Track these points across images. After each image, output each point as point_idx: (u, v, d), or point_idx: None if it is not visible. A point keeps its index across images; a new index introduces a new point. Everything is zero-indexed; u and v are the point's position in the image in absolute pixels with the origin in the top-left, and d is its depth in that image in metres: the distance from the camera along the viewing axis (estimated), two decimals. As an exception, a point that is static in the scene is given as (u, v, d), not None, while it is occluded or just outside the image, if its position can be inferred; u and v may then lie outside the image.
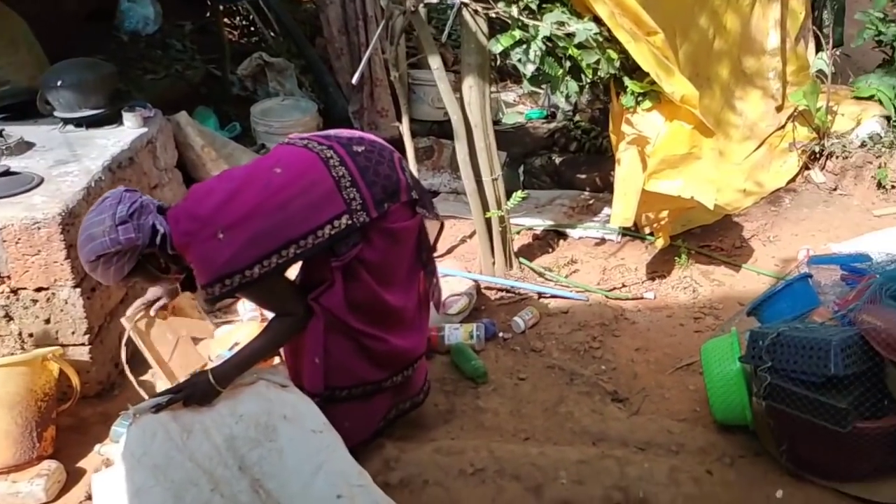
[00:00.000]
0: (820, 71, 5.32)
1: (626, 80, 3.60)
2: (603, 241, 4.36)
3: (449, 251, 4.27)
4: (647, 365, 3.35)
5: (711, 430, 2.90)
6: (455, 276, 3.73)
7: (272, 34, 5.91)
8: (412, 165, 3.93)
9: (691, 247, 4.18)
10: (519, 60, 3.30)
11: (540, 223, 4.46)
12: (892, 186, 4.67)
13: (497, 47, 3.28)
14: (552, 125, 5.82)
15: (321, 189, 2.24)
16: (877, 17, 5.54)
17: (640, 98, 3.64)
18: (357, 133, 2.51)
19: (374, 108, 5.14)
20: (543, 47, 3.21)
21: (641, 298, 3.84)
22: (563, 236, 4.41)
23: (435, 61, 3.49)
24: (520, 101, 6.35)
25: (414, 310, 2.61)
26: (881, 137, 4.94)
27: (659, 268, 4.06)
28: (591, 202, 4.77)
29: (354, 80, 3.73)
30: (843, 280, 2.93)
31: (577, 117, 5.80)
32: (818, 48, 5.58)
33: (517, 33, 3.26)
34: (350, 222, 2.24)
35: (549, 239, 4.36)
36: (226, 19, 6.17)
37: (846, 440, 2.38)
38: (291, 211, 2.21)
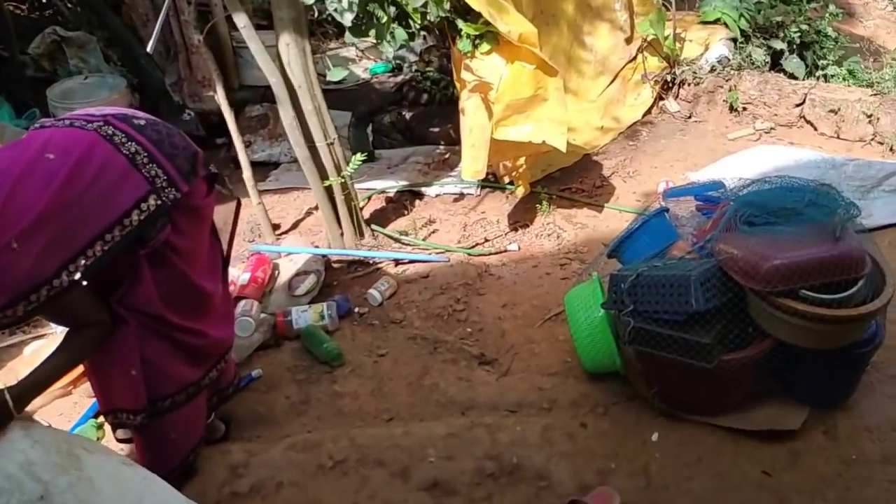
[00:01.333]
0: (665, -3, 5.45)
1: (460, 23, 3.49)
2: (462, 196, 4.29)
3: (293, 226, 4.08)
4: (514, 321, 3.32)
5: (583, 380, 2.90)
6: (300, 254, 3.55)
7: (68, 5, 5.41)
8: (237, 141, 3.68)
9: (552, 192, 4.19)
10: (336, 10, 3.12)
11: (392, 185, 4.34)
12: (744, 108, 4.87)
13: None
14: (399, 78, 5.69)
15: (115, 171, 1.97)
16: (714, -63, 5.73)
17: (476, 41, 3.55)
18: (123, 109, 2.24)
19: (193, 77, 4.81)
20: (356, -8, 3.05)
21: (505, 251, 3.81)
22: (420, 196, 4.32)
23: (241, 19, 3.25)
24: (363, 56, 6.16)
25: (222, 296, 2.42)
26: (729, 60, 5.12)
27: (521, 217, 4.05)
28: (446, 156, 4.69)
29: (149, 47, 3.43)
30: (699, 210, 2.98)
31: (427, 67, 5.68)
32: (662, -26, 5.71)
33: (329, -22, 3.08)
34: (160, 202, 2.00)
35: (403, 201, 4.25)
36: (8, -9, 5.60)
37: (714, 374, 2.42)
38: (88, 202, 1.91)
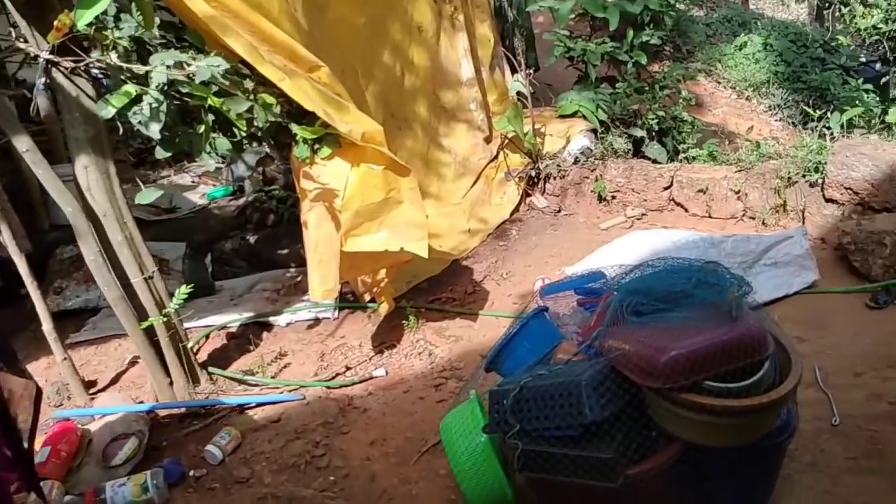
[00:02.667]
0: (519, 94, 5.53)
1: (294, 127, 3.27)
2: (317, 321, 3.96)
3: (114, 381, 3.58)
4: (385, 460, 2.95)
5: (472, 522, 2.53)
6: (117, 414, 3.06)
7: None
8: (31, 288, 3.21)
9: (419, 304, 3.94)
10: (140, 122, 2.81)
11: (235, 318, 3.95)
12: (613, 197, 4.88)
13: (107, 111, 2.76)
14: (241, 201, 5.40)
15: None
16: (563, 34, 5.97)
17: (316, 145, 3.32)
18: None
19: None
20: (162, 99, 2.76)
21: (371, 378, 3.47)
22: (269, 327, 3.94)
23: (23, 142, 2.89)
24: (200, 181, 5.86)
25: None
26: (591, 151, 5.19)
27: (387, 337, 3.75)
28: (298, 279, 4.37)
29: None
30: (581, 305, 2.78)
31: (272, 186, 5.43)
32: (514, 73, 5.84)
33: (131, 88, 2.77)
34: None
35: (248, 335, 3.86)
36: None
37: (620, 494, 2.13)
38: None
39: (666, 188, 4.75)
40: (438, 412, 3.16)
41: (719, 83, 9.65)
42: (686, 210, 4.67)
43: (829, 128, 4.55)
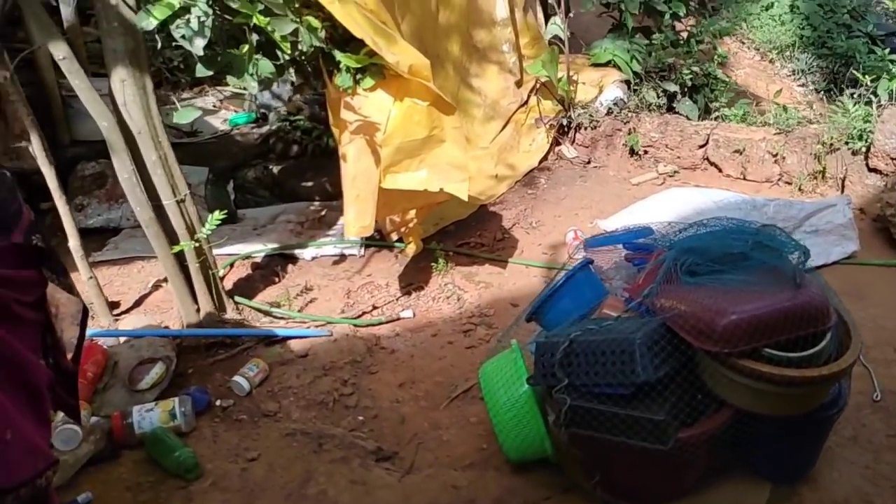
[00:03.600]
0: (555, 38, 5.33)
1: (338, 55, 3.10)
2: (343, 257, 3.85)
3: (137, 304, 3.49)
4: (415, 403, 2.88)
5: (506, 472, 2.49)
6: (143, 337, 2.97)
7: None
8: (60, 203, 3.08)
9: (448, 248, 3.83)
10: (183, 37, 2.65)
11: (259, 248, 3.83)
12: (645, 151, 4.73)
13: (149, 22, 2.60)
14: (264, 129, 5.22)
15: None
16: (602, -21, 5.72)
17: (358, 75, 3.16)
18: None
19: (8, 131, 4.16)
20: (210, 13, 2.60)
21: (398, 319, 3.38)
22: (293, 260, 3.84)
23: (59, 49, 2.74)
24: (222, 106, 5.67)
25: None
26: (625, 102, 5.02)
27: (415, 278, 3.65)
28: (322, 213, 4.24)
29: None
30: (628, 260, 2.67)
31: (297, 116, 5.25)
32: (546, 18, 5.62)
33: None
34: None
35: (273, 266, 3.75)
36: None
37: (668, 456, 2.06)
38: None
39: (701, 146, 4.60)
40: (468, 358, 3.10)
41: (743, 43, 9.38)
42: (720, 170, 4.53)
43: (875, 94, 4.38)
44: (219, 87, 5.85)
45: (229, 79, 2.96)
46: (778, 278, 2.20)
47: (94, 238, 4.03)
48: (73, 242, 3.12)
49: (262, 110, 5.47)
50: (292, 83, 5.18)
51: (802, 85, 8.53)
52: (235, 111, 5.60)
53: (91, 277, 3.19)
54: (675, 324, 2.14)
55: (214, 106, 5.71)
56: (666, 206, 3.72)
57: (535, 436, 2.36)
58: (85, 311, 1.99)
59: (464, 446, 2.64)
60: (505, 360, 2.51)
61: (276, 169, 4.71)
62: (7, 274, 1.67)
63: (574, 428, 2.18)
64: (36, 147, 3.05)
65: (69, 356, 1.91)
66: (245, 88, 2.99)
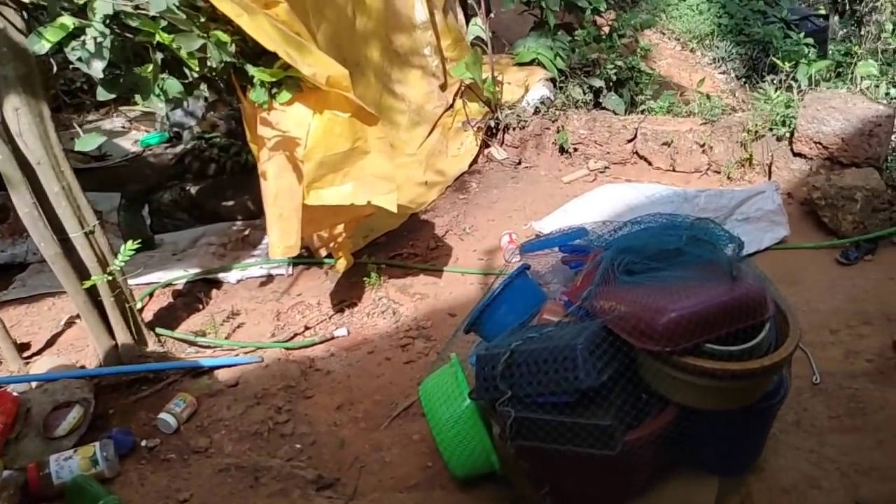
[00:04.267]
0: (477, 39, 5.34)
1: (251, 69, 3.01)
2: (270, 278, 3.76)
3: (49, 344, 3.33)
4: (354, 425, 2.83)
5: (452, 489, 2.47)
6: (57, 380, 2.83)
7: None
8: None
9: (380, 260, 3.79)
10: (80, 59, 2.53)
11: (180, 275, 3.71)
12: (574, 149, 4.77)
13: (41, 45, 2.48)
14: (179, 148, 5.08)
15: None
16: (522, -22, 5.75)
17: (274, 89, 3.08)
18: None
19: None
20: (108, 33, 2.49)
21: (332, 339, 3.32)
22: (217, 284, 3.73)
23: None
24: (132, 127, 5.50)
25: None
26: (552, 100, 5.06)
27: (347, 295, 3.59)
28: (245, 233, 4.15)
29: None
30: (565, 263, 2.67)
31: (212, 132, 5.12)
32: (467, 19, 5.63)
33: (67, 20, 2.49)
34: None
35: (196, 293, 3.65)
36: None
37: (615, 460, 2.05)
38: None
39: (629, 140, 4.67)
40: (407, 374, 3.06)
41: (664, 34, 9.60)
42: (650, 163, 4.60)
43: (796, 79, 4.51)
44: (127, 107, 5.68)
45: (137, 98, 2.86)
46: (714, 272, 2.22)
47: (0, 276, 3.84)
48: (-30, 286, 2.96)
49: (175, 129, 5.33)
50: (205, 99, 5.06)
51: (724, 73, 8.78)
52: (146, 131, 5.45)
53: (-6, 321, 3.03)
54: (616, 325, 2.14)
55: (123, 127, 5.54)
56: (599, 204, 3.75)
57: (480, 450, 2.34)
58: None
59: (407, 466, 2.60)
60: (445, 375, 2.47)
61: (193, 189, 4.58)
62: None
63: (520, 440, 2.16)
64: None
65: None
66: (155, 107, 2.87)
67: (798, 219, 3.90)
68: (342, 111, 3.07)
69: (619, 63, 5.47)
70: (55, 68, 2.80)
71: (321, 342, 3.29)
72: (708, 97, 5.09)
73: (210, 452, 2.69)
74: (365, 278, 3.61)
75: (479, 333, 2.60)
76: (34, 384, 2.89)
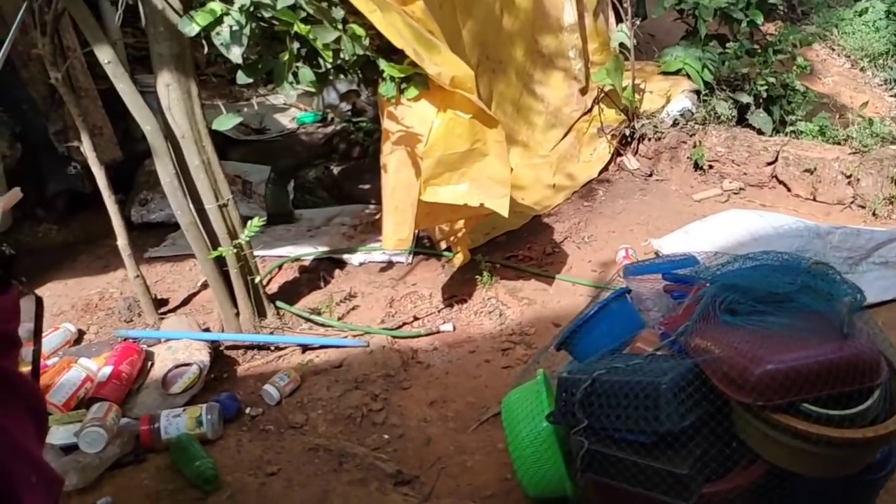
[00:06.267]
0: (621, 46, 5.08)
1: (382, 63, 2.98)
2: (390, 264, 3.75)
3: (185, 302, 3.47)
4: (443, 423, 2.75)
5: (526, 506, 2.33)
6: (181, 340, 2.94)
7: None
8: (108, 202, 3.08)
9: (495, 260, 3.68)
10: (221, 43, 2.58)
11: (309, 251, 3.77)
12: (710, 166, 4.46)
13: (191, 28, 2.55)
14: (329, 129, 5.17)
15: None
16: (677, -15, 5.42)
17: (403, 85, 3.04)
18: None
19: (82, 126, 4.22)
20: (244, 21, 2.52)
21: (438, 333, 3.26)
22: (341, 265, 3.75)
23: (105, 53, 2.71)
24: (291, 104, 5.64)
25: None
26: (693, 114, 4.74)
27: (458, 290, 3.51)
28: (376, 216, 4.14)
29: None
30: (668, 292, 2.47)
31: (360, 117, 5.19)
32: (618, 23, 5.37)
33: (216, 6, 2.54)
34: None
35: (321, 271, 3.68)
36: None
37: (690, 512, 1.87)
38: None
39: (769, 163, 4.29)
40: (503, 379, 2.95)
41: (833, 49, 8.83)
42: (789, 189, 4.22)
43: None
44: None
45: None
46: (825, 325, 1.97)
47: (156, 233, 4.05)
48: (121, 241, 3.12)
49: (328, 110, 5.42)
50: (357, 85, 5.11)
51: (894, 95, 7.97)
52: (305, 109, 5.58)
53: (137, 276, 3.18)
54: (708, 368, 1.95)
55: (285, 104, 5.70)
56: (722, 229, 3.46)
57: (554, 474, 2.20)
58: (39, 304, 1.84)
59: (487, 475, 2.51)
60: (528, 391, 2.35)
61: (336, 170, 4.65)
62: None
63: (591, 473, 2.02)
64: (86, 146, 3.06)
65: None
66: (286, 94, 2.88)
67: (946, 267, 3.45)
68: (464, 112, 2.98)
69: (771, 79, 5.04)
70: (206, 49, 2.87)
71: (427, 335, 3.23)
72: (870, 122, 4.61)
73: (304, 430, 2.71)
74: (478, 276, 3.52)
75: (570, 352, 2.46)
76: (162, 340, 3.02)
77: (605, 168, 4.57)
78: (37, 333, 1.78)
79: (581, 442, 2.02)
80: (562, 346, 2.47)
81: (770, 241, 3.26)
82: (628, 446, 1.98)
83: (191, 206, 2.93)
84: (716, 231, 3.45)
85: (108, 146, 4.27)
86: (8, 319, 1.57)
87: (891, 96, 7.98)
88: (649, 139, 4.61)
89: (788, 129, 4.90)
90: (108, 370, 2.70)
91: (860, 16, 8.68)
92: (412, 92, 3.00)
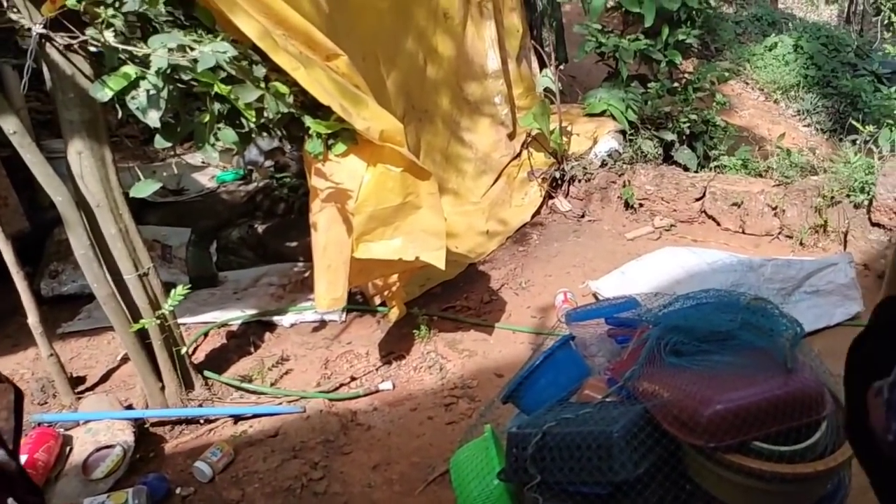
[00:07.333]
0: (547, 90, 5.22)
1: (308, 120, 2.98)
2: (323, 323, 3.69)
3: (104, 378, 3.33)
4: (388, 487, 2.70)
5: (481, 570, 2.26)
6: (101, 420, 2.81)
7: None
8: (17, 278, 2.95)
9: (432, 312, 3.67)
10: (137, 108, 2.53)
11: (237, 316, 3.68)
12: (640, 205, 4.58)
13: (103, 93, 2.49)
14: (251, 186, 5.12)
15: None
16: (595, 28, 5.63)
17: (330, 141, 3.03)
18: None
19: (-15, 196, 4.07)
20: (161, 84, 2.48)
21: (377, 392, 3.21)
22: (272, 327, 3.67)
23: (10, 123, 2.63)
24: (209, 163, 5.57)
25: None
26: (620, 154, 4.89)
27: (396, 346, 3.48)
28: (305, 274, 4.10)
29: None
30: (611, 336, 2.49)
31: (283, 173, 5.14)
32: (542, 67, 5.52)
33: (130, 69, 2.50)
34: None
35: (251, 334, 3.60)
36: None
37: (650, 562, 1.86)
38: None
39: (698, 199, 4.44)
40: (447, 435, 2.91)
41: (747, 84, 9.30)
42: (718, 224, 4.36)
43: (877, 144, 4.22)
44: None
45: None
46: (768, 361, 2.01)
47: (69, 306, 3.89)
48: (32, 319, 2.98)
49: (250, 167, 5.37)
50: (280, 141, 5.09)
51: (808, 125, 8.41)
52: (224, 168, 5.51)
53: (51, 355, 3.04)
54: (658, 413, 1.96)
55: (203, 162, 5.62)
56: (658, 268, 3.54)
57: (509, 535, 2.17)
58: (18, 396, 1.80)
59: (437, 539, 2.46)
60: (477, 448, 2.32)
61: (260, 228, 4.59)
62: None
63: (548, 530, 2.00)
64: (-7, 224, 2.94)
65: (9, 448, 1.73)
66: (209, 156, 2.84)
67: (875, 292, 3.60)
68: (395, 165, 2.99)
69: (693, 116, 5.25)
70: (120, 114, 2.81)
71: (365, 395, 3.18)
72: (788, 152, 4.82)
73: (241, 506, 2.61)
74: (415, 330, 3.50)
75: (517, 405, 2.45)
76: (80, 422, 2.88)
77: (538, 211, 4.65)
78: (17, 427, 1.70)
79: (535, 499, 2.00)
80: (508, 399, 2.45)
81: (705, 278, 3.35)
82: (583, 499, 1.97)
83: (108, 277, 2.83)
84: (652, 270, 3.53)
85: (13, 217, 4.12)
86: None
87: (804, 126, 8.42)
88: (579, 181, 4.72)
89: (713, 163, 5.09)
90: (22, 459, 2.55)
91: (770, 50, 9.19)
92: (340, 147, 2.99)
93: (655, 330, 2.20)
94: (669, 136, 5.14)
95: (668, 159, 5.07)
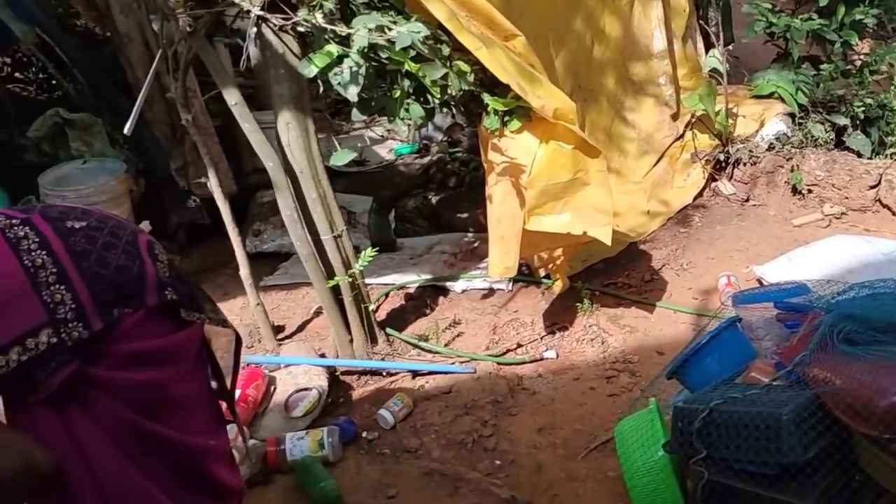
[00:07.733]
0: (714, 71, 4.99)
1: (486, 97, 3.03)
2: (491, 292, 3.77)
3: (300, 329, 3.58)
4: (553, 450, 2.75)
5: (641, 535, 2.29)
6: (300, 365, 3.03)
7: (78, 85, 5.12)
8: (232, 234, 3.21)
9: (594, 287, 3.66)
10: (339, 83, 2.68)
11: (414, 279, 3.83)
12: (809, 190, 4.32)
13: (310, 69, 2.65)
14: (426, 160, 5.26)
15: (5, 288, 1.48)
16: (766, 7, 5.30)
17: (505, 118, 3.08)
18: (80, 206, 1.71)
19: (200, 161, 4.41)
20: (362, 62, 2.61)
21: (541, 360, 3.26)
22: (444, 292, 3.80)
23: (232, 95, 2.85)
24: (388, 136, 5.78)
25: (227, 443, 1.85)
26: (788, 137, 4.62)
27: (559, 317, 3.50)
28: (475, 245, 4.19)
29: (127, 129, 3.02)
30: (780, 321, 2.41)
31: (455, 148, 5.25)
32: (707, 48, 5.29)
33: (333, 48, 2.64)
34: (55, 340, 1.46)
35: (426, 298, 3.74)
36: (15, 71, 5.37)
37: (816, 546, 1.82)
38: None
39: (872, 187, 4.14)
40: (609, 407, 2.93)
41: (926, 66, 8.42)
42: (894, 213, 4.05)
43: None
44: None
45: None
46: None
47: (269, 262, 4.19)
48: (244, 271, 3.25)
49: (425, 141, 5.52)
50: (453, 115, 5.18)
51: None
52: (401, 141, 5.69)
53: (258, 304, 3.31)
54: (829, 400, 1.90)
55: (382, 135, 5.83)
56: (829, 256, 3.35)
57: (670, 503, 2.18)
58: (238, 341, 1.96)
59: (599, 502, 2.49)
60: (642, 419, 2.34)
61: (434, 199, 4.72)
62: (154, 347, 1.53)
63: (711, 504, 1.99)
64: (213, 182, 3.21)
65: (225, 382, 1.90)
66: (399, 129, 2.97)
67: None
68: (566, 143, 2.99)
69: (868, 100, 4.86)
70: (321, 89, 2.97)
71: (531, 361, 3.24)
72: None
73: (419, 454, 2.75)
74: (578, 304, 3.51)
75: (681, 381, 2.43)
76: (282, 365, 3.12)
77: (700, 194, 4.50)
78: (235, 367, 1.89)
79: (700, 472, 2.00)
80: (673, 374, 2.45)
81: (880, 268, 3.13)
82: (750, 478, 1.95)
83: (308, 237, 3.03)
84: (821, 258, 3.34)
85: (225, 180, 4.45)
86: (179, 359, 1.63)
87: None
88: (744, 164, 4.51)
89: (889, 150, 4.70)
90: (235, 393, 2.80)
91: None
92: (515, 124, 3.03)
93: (828, 317, 2.13)
94: (842, 121, 4.78)
95: (839, 144, 4.73)
